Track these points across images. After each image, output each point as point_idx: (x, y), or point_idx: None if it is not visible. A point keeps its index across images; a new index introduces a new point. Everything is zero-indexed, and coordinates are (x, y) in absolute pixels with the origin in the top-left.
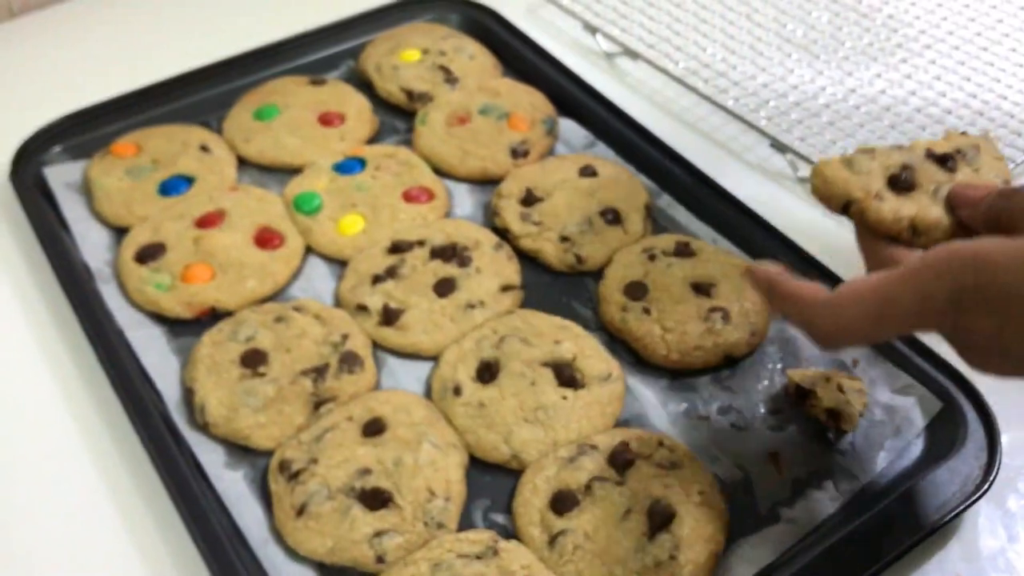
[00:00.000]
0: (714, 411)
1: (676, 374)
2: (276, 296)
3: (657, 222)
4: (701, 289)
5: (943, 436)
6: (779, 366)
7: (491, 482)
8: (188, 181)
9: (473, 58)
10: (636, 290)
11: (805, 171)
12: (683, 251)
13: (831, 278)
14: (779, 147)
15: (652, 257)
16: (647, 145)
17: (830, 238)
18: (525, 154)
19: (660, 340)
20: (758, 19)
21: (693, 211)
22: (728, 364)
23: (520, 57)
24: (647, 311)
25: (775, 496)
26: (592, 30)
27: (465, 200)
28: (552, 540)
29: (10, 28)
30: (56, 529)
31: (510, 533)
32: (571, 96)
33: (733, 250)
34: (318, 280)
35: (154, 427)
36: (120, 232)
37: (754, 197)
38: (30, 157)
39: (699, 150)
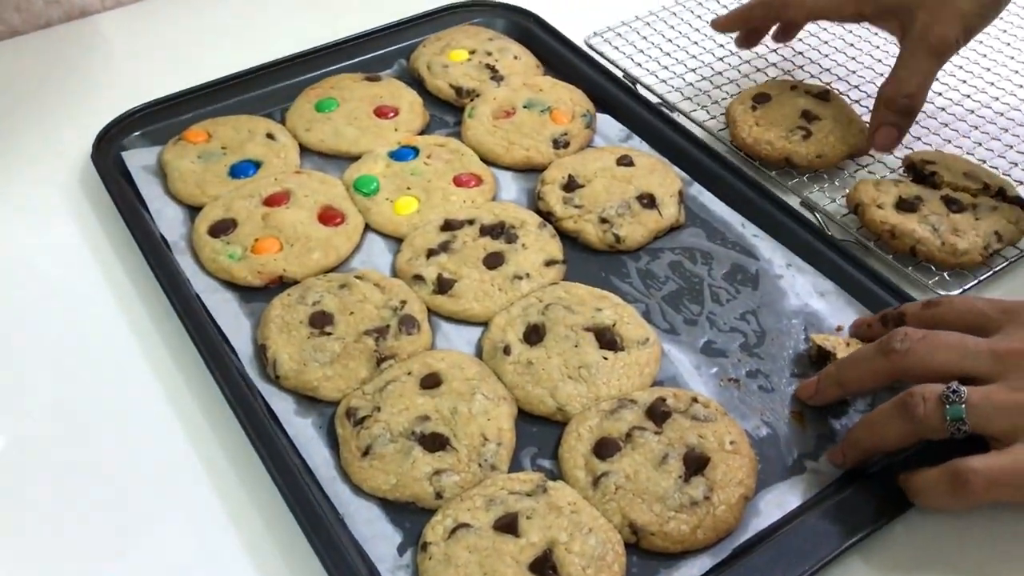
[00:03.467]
0: (743, 375)
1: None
2: (339, 268)
3: (689, 208)
4: None
5: None
6: (803, 336)
7: (538, 432)
8: (256, 165)
9: (517, 58)
10: None
11: (838, 232)
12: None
13: (862, 266)
14: (809, 206)
15: None
16: (680, 138)
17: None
18: (566, 145)
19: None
20: (799, 76)
21: (722, 198)
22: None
23: (560, 57)
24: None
25: (801, 448)
26: (632, 81)
27: (510, 186)
28: (596, 481)
29: (98, 20)
30: (145, 473)
31: (556, 476)
32: (608, 93)
33: (760, 233)
34: (377, 254)
35: (232, 379)
36: (193, 210)
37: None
38: (111, 141)
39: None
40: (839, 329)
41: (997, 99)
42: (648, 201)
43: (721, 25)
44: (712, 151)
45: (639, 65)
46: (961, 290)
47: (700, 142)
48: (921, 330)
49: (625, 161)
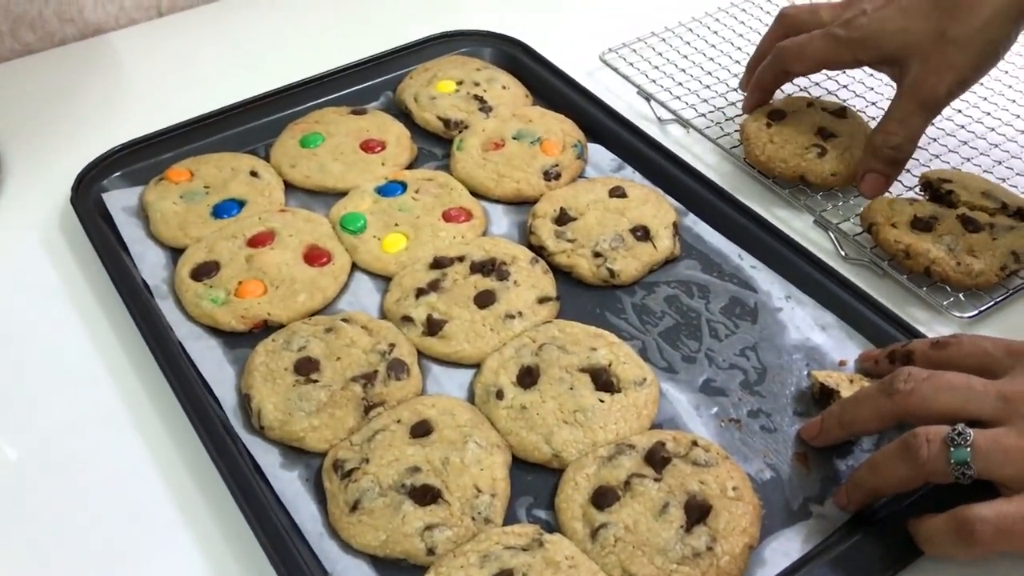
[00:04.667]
0: (744, 414)
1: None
2: (325, 310)
3: (685, 240)
4: None
5: None
6: (805, 372)
7: (533, 481)
8: (239, 204)
9: (506, 88)
10: None
11: (852, 251)
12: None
13: (863, 298)
14: (823, 224)
15: None
16: (672, 167)
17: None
18: (557, 176)
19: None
20: (815, 92)
21: (718, 229)
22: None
23: (549, 87)
24: None
25: (806, 492)
26: (647, 96)
27: (501, 220)
28: (594, 533)
29: (63, 54)
30: (122, 528)
31: (553, 528)
32: (599, 122)
33: (758, 264)
34: (364, 294)
35: (215, 431)
36: (175, 252)
37: (793, 268)
38: (90, 183)
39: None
40: (842, 364)
41: (1019, 116)
42: (642, 233)
43: (751, 106)
44: (706, 180)
45: (653, 81)
46: (977, 312)
47: (694, 171)
48: (926, 370)
49: (618, 192)
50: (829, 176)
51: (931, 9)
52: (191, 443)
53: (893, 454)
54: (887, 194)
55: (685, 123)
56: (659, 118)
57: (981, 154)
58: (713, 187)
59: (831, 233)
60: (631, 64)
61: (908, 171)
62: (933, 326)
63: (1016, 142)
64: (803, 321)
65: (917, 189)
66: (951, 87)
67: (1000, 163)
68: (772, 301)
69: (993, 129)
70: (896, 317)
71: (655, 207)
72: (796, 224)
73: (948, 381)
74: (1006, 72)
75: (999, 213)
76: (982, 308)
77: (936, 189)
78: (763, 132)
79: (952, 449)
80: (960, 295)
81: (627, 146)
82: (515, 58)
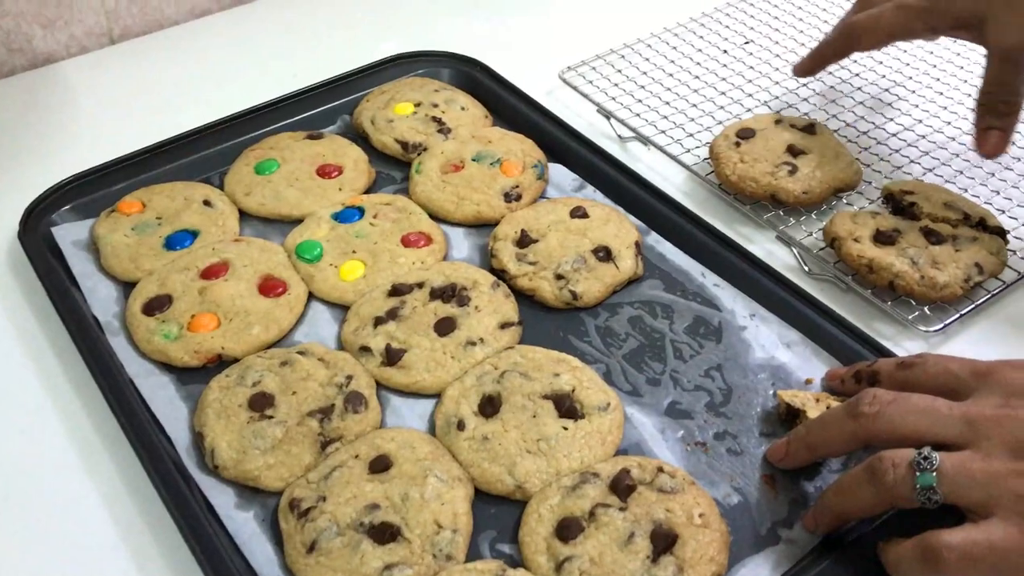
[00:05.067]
0: (711, 437)
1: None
2: (281, 342)
3: (647, 259)
4: None
5: None
6: (771, 392)
7: (496, 514)
8: (192, 235)
9: (464, 109)
10: None
11: (815, 267)
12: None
13: (827, 314)
14: (786, 241)
15: None
16: (634, 185)
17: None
18: (518, 198)
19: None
20: (776, 107)
21: (680, 247)
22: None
23: (509, 107)
24: None
25: (774, 516)
26: (606, 114)
27: (462, 244)
28: (559, 567)
29: (12, 85)
30: (71, 573)
31: (517, 562)
32: (559, 142)
33: (721, 282)
34: (321, 325)
35: (167, 472)
36: (127, 286)
37: (756, 285)
38: (39, 217)
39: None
40: (808, 382)
41: None
42: (604, 254)
43: (804, 70)
44: (668, 198)
45: (613, 99)
46: (943, 325)
47: (656, 189)
48: (891, 392)
49: (579, 213)
50: (801, 195)
51: None
52: (142, 485)
53: (859, 478)
54: (848, 207)
55: (645, 140)
56: (619, 136)
57: (943, 164)
58: (675, 205)
59: (794, 249)
60: (590, 82)
61: (870, 183)
62: (899, 340)
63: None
64: (768, 339)
65: (880, 202)
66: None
67: (961, 172)
68: (736, 319)
69: (954, 139)
70: (861, 333)
71: (617, 227)
72: (759, 240)
73: (913, 404)
74: (965, 81)
75: (961, 224)
76: (948, 322)
77: (899, 201)
78: (732, 151)
79: (918, 474)
80: (925, 308)
81: (588, 165)
82: (474, 78)
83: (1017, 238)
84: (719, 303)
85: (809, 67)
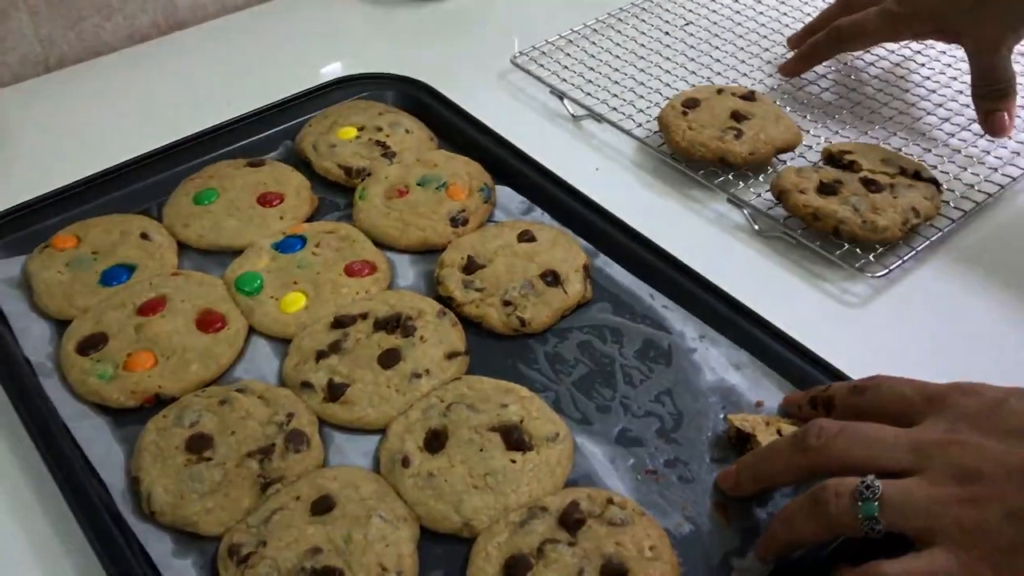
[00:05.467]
0: (661, 464)
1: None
2: (221, 379)
3: (596, 281)
4: None
5: None
6: (721, 416)
7: (443, 553)
8: (129, 270)
9: (409, 132)
10: None
11: (765, 225)
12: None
13: (776, 335)
14: (736, 202)
15: None
16: (582, 207)
17: (782, 289)
18: (465, 222)
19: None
20: (719, 82)
21: (630, 269)
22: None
23: (455, 129)
24: None
25: (726, 546)
26: (559, 95)
27: (408, 271)
28: None
29: None
30: None
31: None
32: (506, 163)
33: (669, 303)
34: (262, 360)
35: (99, 520)
36: (62, 325)
37: (709, 247)
38: None
39: (659, 207)
40: (759, 405)
41: (909, 89)
42: (552, 278)
43: (791, 71)
44: (616, 220)
45: (564, 80)
46: (886, 270)
47: (604, 211)
48: (838, 423)
49: (526, 236)
50: (748, 155)
51: None
52: (75, 534)
53: (804, 507)
54: (792, 164)
55: (599, 117)
56: (573, 115)
57: (878, 127)
58: (623, 227)
59: (744, 210)
60: (542, 66)
61: (811, 147)
62: (848, 287)
63: (909, 114)
64: (718, 361)
65: (820, 163)
66: (1006, 32)
67: (894, 134)
68: (686, 342)
69: (886, 104)
70: (811, 354)
71: (565, 250)
72: (710, 203)
73: (860, 434)
74: (892, 52)
75: (899, 175)
76: (891, 267)
77: (838, 160)
78: (681, 119)
79: (860, 503)
80: (871, 256)
81: (536, 187)
82: (419, 100)
83: (949, 190)
84: (668, 325)
85: (795, 68)
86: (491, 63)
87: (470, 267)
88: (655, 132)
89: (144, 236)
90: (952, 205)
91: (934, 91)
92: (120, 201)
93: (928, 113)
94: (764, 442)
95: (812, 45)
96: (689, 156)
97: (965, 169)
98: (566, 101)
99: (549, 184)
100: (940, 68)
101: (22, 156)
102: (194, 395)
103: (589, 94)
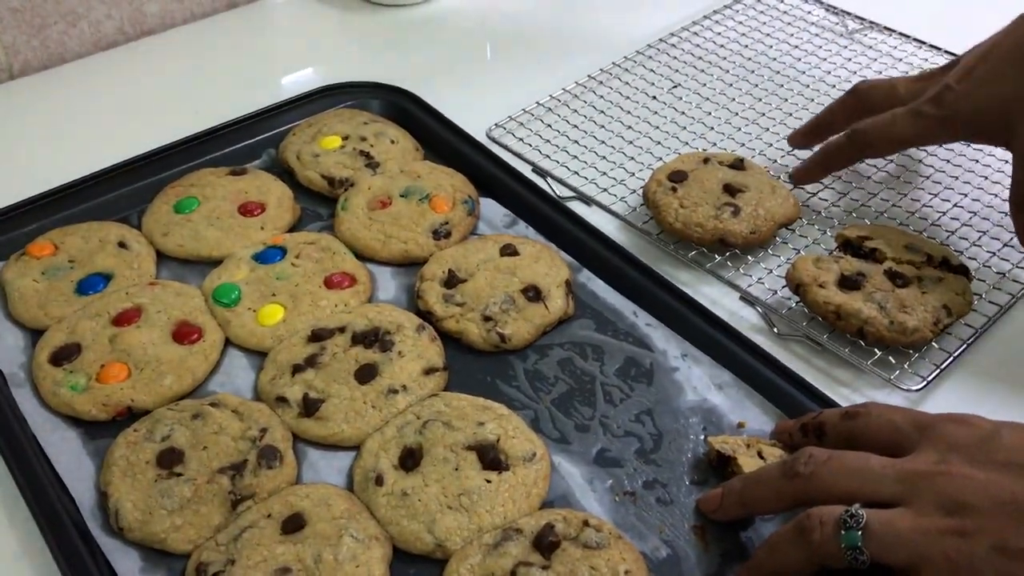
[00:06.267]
0: (640, 486)
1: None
2: (195, 392)
3: (579, 297)
4: None
5: None
6: (702, 436)
7: (416, 574)
8: (106, 278)
9: (394, 142)
10: None
11: (785, 328)
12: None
13: (759, 355)
14: (749, 300)
15: None
16: (566, 221)
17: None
18: (447, 235)
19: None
20: (698, 145)
21: (613, 285)
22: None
23: (440, 139)
24: None
25: (704, 570)
26: (542, 174)
27: (388, 284)
28: None
29: None
30: None
31: None
32: (491, 175)
33: (652, 321)
34: (237, 373)
35: (66, 535)
36: (36, 334)
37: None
38: None
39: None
40: (740, 425)
41: (920, 161)
42: (534, 294)
43: (804, 178)
44: (600, 235)
45: (547, 156)
46: (924, 383)
47: (588, 225)
48: (826, 451)
49: (509, 250)
50: (749, 235)
51: (1016, 71)
52: (41, 549)
53: (788, 536)
54: (809, 250)
55: (588, 199)
56: (559, 196)
57: (893, 206)
58: (607, 242)
59: (758, 308)
60: (520, 139)
61: (824, 232)
62: (883, 401)
63: (924, 189)
64: (700, 381)
65: (836, 251)
66: None
67: (912, 213)
68: (668, 360)
69: (898, 177)
70: (794, 375)
71: (547, 265)
72: (725, 302)
73: (848, 463)
74: None
75: (925, 266)
76: (929, 378)
77: (857, 247)
78: (670, 197)
79: (844, 532)
80: (905, 365)
81: (520, 200)
82: (405, 110)
83: (980, 279)
84: (651, 343)
85: (808, 176)
86: (470, 69)
87: (451, 281)
88: (639, 206)
89: (122, 245)
90: (985, 298)
91: (948, 160)
92: (99, 209)
93: (947, 188)
94: (745, 464)
95: (830, 151)
96: (686, 237)
97: (994, 254)
98: (550, 180)
99: (534, 197)
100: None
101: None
102: (167, 408)
103: (576, 172)
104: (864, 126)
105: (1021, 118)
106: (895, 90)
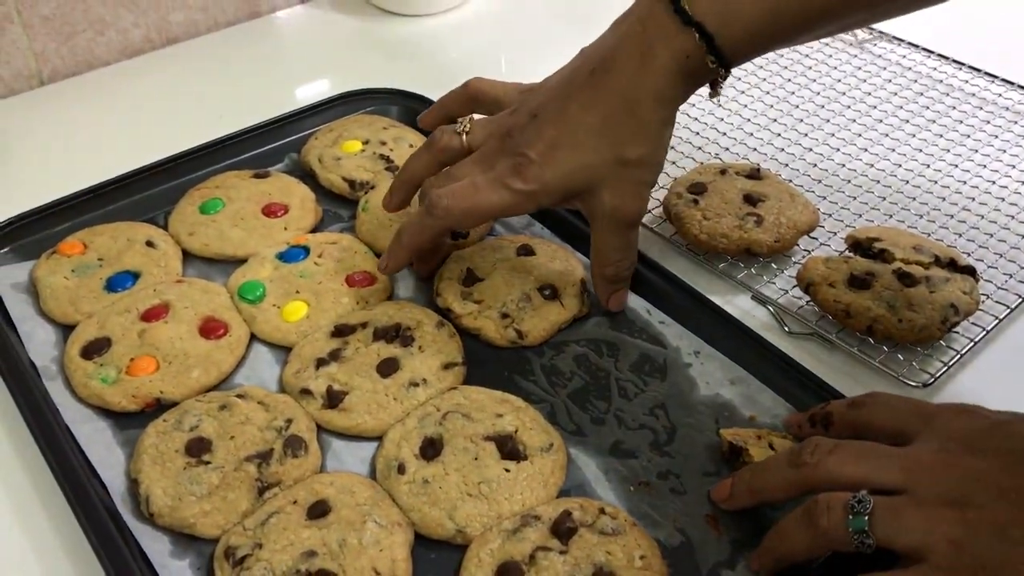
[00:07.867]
0: (654, 477)
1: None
2: (221, 385)
3: (593, 296)
4: None
5: None
6: (715, 429)
7: (437, 559)
8: (134, 276)
9: (412, 146)
10: None
11: (795, 326)
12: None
13: (771, 351)
14: (760, 300)
15: None
16: (580, 222)
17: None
18: (465, 236)
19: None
20: (700, 157)
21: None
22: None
23: None
24: None
25: (716, 557)
26: None
27: (408, 283)
28: None
29: None
30: None
31: None
32: None
33: (666, 319)
34: (263, 367)
35: (99, 520)
36: (67, 330)
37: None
38: None
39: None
40: (752, 419)
41: (928, 166)
42: (550, 292)
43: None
44: None
45: None
46: (932, 379)
47: None
48: (832, 440)
49: (525, 251)
50: (774, 244)
51: (597, 140)
52: (74, 533)
53: (796, 520)
54: (821, 252)
55: None
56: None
57: (902, 208)
58: None
59: (770, 307)
60: None
61: (834, 234)
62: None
63: (932, 193)
64: (712, 376)
65: (846, 251)
66: (646, 199)
67: (921, 216)
68: (682, 357)
69: (907, 182)
70: (805, 371)
71: (563, 265)
72: (737, 302)
73: (853, 452)
74: (881, 120)
75: (933, 266)
76: (937, 374)
77: (867, 248)
78: (693, 209)
79: (851, 517)
80: (913, 362)
81: None
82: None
83: (987, 280)
84: (664, 340)
85: (395, 269)
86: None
87: (469, 279)
88: (669, 222)
89: (149, 244)
90: (993, 299)
91: (956, 165)
92: (127, 210)
93: (955, 192)
94: (756, 455)
95: (415, 232)
96: (711, 248)
97: (1001, 256)
98: None
99: None
100: (959, 139)
101: (26, 166)
102: (195, 400)
103: None
104: (442, 198)
105: (601, 185)
106: (499, 104)
